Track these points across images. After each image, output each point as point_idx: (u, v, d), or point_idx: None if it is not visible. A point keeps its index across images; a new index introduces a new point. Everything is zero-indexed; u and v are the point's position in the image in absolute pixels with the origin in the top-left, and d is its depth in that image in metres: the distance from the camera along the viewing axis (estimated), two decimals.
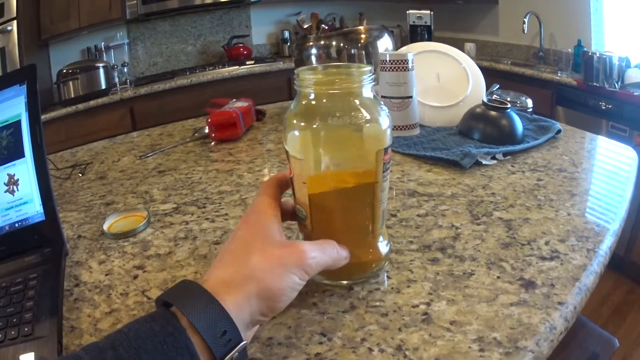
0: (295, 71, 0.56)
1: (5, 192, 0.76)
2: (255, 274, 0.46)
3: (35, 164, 0.77)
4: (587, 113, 2.74)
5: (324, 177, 0.55)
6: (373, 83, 0.56)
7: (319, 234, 0.57)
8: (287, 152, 0.56)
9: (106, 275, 0.70)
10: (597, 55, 2.68)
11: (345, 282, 0.62)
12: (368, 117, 0.54)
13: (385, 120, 0.55)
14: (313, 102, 0.55)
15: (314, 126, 0.53)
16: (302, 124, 0.55)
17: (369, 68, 0.56)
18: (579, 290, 0.59)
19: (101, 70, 3.11)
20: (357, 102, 0.55)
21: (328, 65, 0.64)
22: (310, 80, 0.55)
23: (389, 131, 0.56)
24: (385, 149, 0.56)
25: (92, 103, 3.03)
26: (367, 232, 0.60)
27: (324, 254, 0.52)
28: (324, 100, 0.55)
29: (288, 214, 0.61)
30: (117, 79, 3.40)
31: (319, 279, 0.62)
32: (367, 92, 0.55)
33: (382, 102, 0.57)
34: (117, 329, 0.41)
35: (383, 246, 0.62)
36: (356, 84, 0.54)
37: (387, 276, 0.63)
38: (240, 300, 0.44)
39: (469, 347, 0.50)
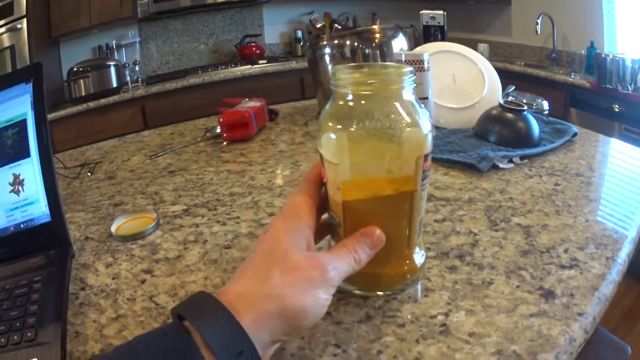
0: (332, 70, 0.53)
1: (10, 192, 0.75)
2: (276, 291, 0.42)
3: (41, 164, 0.75)
4: (600, 115, 2.72)
5: (359, 183, 0.52)
6: (414, 85, 0.52)
7: None
8: (321, 156, 0.53)
9: (113, 278, 0.69)
10: (610, 57, 2.67)
11: (381, 292, 0.59)
12: (409, 120, 0.51)
13: (426, 125, 0.52)
14: (350, 104, 0.52)
15: (351, 129, 0.50)
16: (338, 126, 0.51)
17: (409, 69, 0.52)
18: (599, 301, 0.57)
19: (112, 69, 3.13)
20: (397, 104, 0.51)
21: (366, 64, 0.61)
22: (347, 79, 0.52)
23: (429, 136, 0.52)
24: (426, 156, 0.52)
25: (103, 101, 3.04)
26: (404, 243, 0.57)
27: (343, 262, 0.47)
28: (362, 102, 0.52)
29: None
30: (128, 78, 3.40)
31: (352, 289, 0.59)
32: (408, 94, 0.52)
33: (422, 105, 0.54)
34: (123, 336, 0.40)
35: (419, 257, 0.59)
36: (396, 85, 0.51)
37: None
38: (259, 318, 0.41)
39: None
